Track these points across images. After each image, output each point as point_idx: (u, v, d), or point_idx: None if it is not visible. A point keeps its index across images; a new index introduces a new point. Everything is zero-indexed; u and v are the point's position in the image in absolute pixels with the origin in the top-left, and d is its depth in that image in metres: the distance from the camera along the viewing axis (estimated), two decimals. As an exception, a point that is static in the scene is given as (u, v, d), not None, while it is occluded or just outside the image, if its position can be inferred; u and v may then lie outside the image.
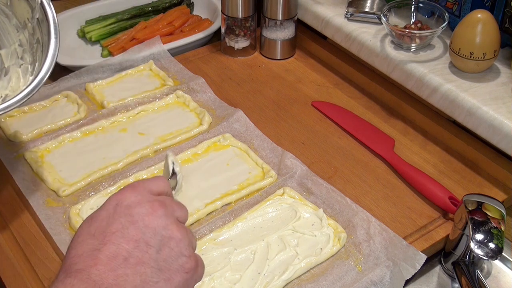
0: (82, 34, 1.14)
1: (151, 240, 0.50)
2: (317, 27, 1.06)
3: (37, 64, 0.72)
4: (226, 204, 0.78)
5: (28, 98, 0.68)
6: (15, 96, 0.67)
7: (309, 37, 1.11)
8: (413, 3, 0.97)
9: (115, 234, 0.49)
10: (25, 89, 0.68)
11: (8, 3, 0.77)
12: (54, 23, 0.73)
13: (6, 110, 0.67)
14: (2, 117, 0.92)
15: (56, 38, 0.72)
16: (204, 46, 1.14)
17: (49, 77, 1.03)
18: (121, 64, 1.04)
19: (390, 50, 0.94)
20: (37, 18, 0.74)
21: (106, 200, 0.53)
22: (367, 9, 1.01)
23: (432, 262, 0.76)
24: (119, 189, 0.78)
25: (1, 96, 0.74)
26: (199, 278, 0.54)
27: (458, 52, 0.85)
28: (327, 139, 0.91)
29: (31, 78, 0.71)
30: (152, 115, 0.94)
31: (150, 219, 0.51)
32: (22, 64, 0.76)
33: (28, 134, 0.88)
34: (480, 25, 0.82)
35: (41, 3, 0.73)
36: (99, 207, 0.75)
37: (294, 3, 1.05)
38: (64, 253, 0.71)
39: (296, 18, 1.07)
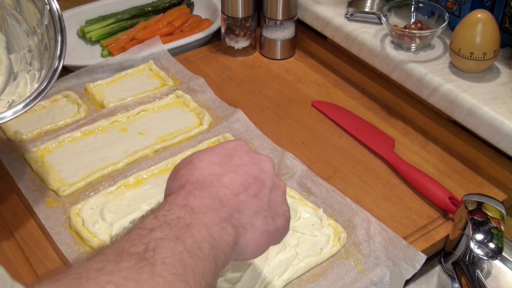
0: (82, 34, 1.14)
1: (266, 181, 0.56)
2: (317, 27, 1.06)
3: (43, 71, 0.72)
4: (226, 204, 0.78)
5: (31, 107, 0.68)
6: (19, 104, 0.68)
7: (309, 37, 1.11)
8: (413, 3, 0.97)
9: (239, 167, 0.55)
10: (28, 97, 0.68)
11: (18, 9, 0.77)
12: (62, 31, 0.73)
13: (10, 118, 0.67)
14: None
15: (62, 47, 0.73)
16: (204, 46, 1.14)
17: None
18: (121, 64, 1.04)
19: (390, 50, 0.94)
20: (46, 24, 0.74)
21: (223, 143, 0.58)
22: (367, 9, 1.01)
23: (432, 262, 0.76)
24: (119, 189, 0.79)
25: (8, 102, 0.74)
26: (285, 234, 0.58)
27: (458, 52, 0.85)
28: (327, 139, 0.91)
29: (36, 85, 0.71)
30: (152, 115, 0.94)
31: (267, 165, 0.57)
32: (30, 70, 0.76)
33: (28, 134, 0.88)
34: (480, 25, 0.82)
35: (50, 9, 0.73)
36: (98, 207, 0.75)
37: (294, 3, 1.05)
38: (64, 253, 0.71)
39: (296, 18, 1.07)
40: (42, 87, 0.69)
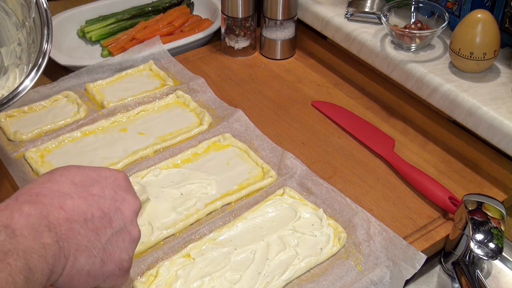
0: (82, 34, 1.14)
1: (115, 222, 0.52)
2: (317, 27, 1.06)
3: (30, 65, 0.71)
4: (226, 204, 0.78)
5: (12, 103, 0.68)
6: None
7: (309, 37, 1.11)
8: (413, 3, 0.97)
9: (94, 196, 0.51)
10: (10, 93, 0.68)
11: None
12: (48, 24, 0.72)
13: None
14: (1, 117, 0.92)
15: (48, 40, 0.72)
16: (204, 46, 1.14)
17: (49, 77, 1.03)
18: (121, 64, 1.04)
19: (390, 50, 0.94)
20: (33, 18, 0.73)
21: (105, 169, 0.54)
22: (367, 9, 1.01)
23: (432, 262, 0.76)
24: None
25: None
26: (117, 282, 0.55)
27: (458, 52, 0.85)
28: (327, 139, 0.91)
29: (17, 81, 0.71)
30: (152, 115, 0.94)
31: (128, 208, 0.54)
32: (19, 64, 0.75)
33: (28, 134, 0.88)
34: (480, 25, 0.82)
35: (37, 2, 0.73)
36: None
37: (294, 3, 1.05)
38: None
39: (296, 18, 1.07)
40: (21, 87, 0.68)
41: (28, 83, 0.69)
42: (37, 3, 0.73)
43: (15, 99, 0.68)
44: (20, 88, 0.69)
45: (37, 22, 0.73)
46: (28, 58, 0.74)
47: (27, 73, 0.70)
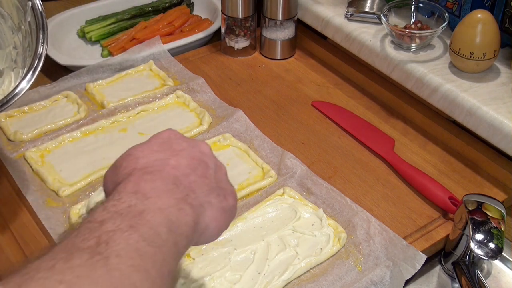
0: (82, 34, 1.14)
1: (209, 162, 0.55)
2: (317, 27, 1.06)
3: (25, 69, 0.71)
4: (226, 204, 0.78)
5: (7, 107, 0.68)
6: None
7: (309, 37, 1.11)
8: (413, 3, 0.97)
9: (181, 151, 0.54)
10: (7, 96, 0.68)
11: None
12: (44, 28, 0.72)
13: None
14: (1, 117, 0.92)
15: (43, 44, 0.71)
16: (204, 46, 1.14)
17: (49, 77, 1.03)
18: (121, 64, 1.04)
19: (390, 50, 0.94)
20: (29, 21, 0.73)
21: (155, 135, 0.56)
22: (367, 9, 1.01)
23: (432, 262, 0.76)
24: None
25: None
26: (235, 213, 0.57)
27: (458, 52, 0.85)
28: (327, 139, 0.91)
29: (12, 85, 0.70)
30: (152, 115, 0.94)
31: (205, 147, 0.56)
32: (15, 68, 0.75)
33: (28, 134, 0.88)
34: (480, 25, 0.82)
35: (32, 5, 0.72)
36: None
37: (294, 3, 1.05)
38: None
39: (296, 18, 1.07)
40: (18, 88, 0.68)
41: (24, 85, 0.69)
42: (32, 7, 0.72)
43: (10, 103, 0.68)
44: (16, 92, 0.69)
45: (33, 26, 0.73)
46: (24, 61, 0.74)
47: (22, 77, 0.70)
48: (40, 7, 0.73)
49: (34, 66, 0.70)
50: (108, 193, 0.52)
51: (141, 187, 0.48)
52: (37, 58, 0.71)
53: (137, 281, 0.41)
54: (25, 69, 0.71)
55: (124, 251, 0.41)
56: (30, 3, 0.72)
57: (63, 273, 0.39)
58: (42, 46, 0.72)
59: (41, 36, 0.72)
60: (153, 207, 0.46)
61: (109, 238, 0.42)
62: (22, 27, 0.74)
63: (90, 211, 0.46)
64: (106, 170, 0.54)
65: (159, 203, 0.47)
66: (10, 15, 0.75)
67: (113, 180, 0.51)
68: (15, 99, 0.68)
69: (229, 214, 0.55)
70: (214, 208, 0.52)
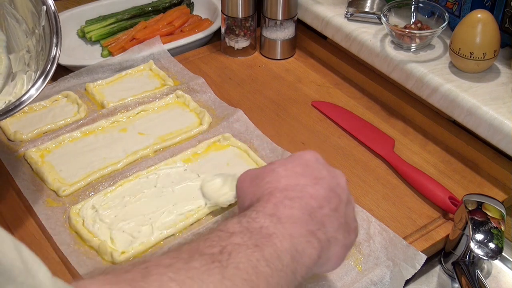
0: (82, 34, 1.14)
1: (342, 195, 0.55)
2: (317, 27, 1.06)
3: (38, 73, 0.71)
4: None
5: (20, 109, 0.68)
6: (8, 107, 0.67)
7: (309, 37, 1.11)
8: (413, 3, 0.97)
9: (321, 180, 0.54)
10: (17, 101, 0.68)
11: (12, 5, 0.76)
12: (58, 33, 0.72)
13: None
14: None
15: (56, 49, 0.72)
16: (204, 46, 1.14)
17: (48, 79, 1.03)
18: (121, 64, 1.04)
19: (390, 50, 0.94)
20: (43, 25, 0.73)
21: (300, 154, 0.57)
22: (367, 9, 1.01)
23: (432, 262, 0.76)
24: (118, 188, 0.79)
25: (5, 102, 0.73)
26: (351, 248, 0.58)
27: (458, 52, 0.85)
28: (327, 139, 0.91)
29: (25, 88, 0.71)
30: (152, 115, 0.94)
31: (342, 180, 0.57)
32: (27, 71, 0.75)
33: (28, 134, 0.88)
34: (480, 25, 0.82)
35: (47, 10, 0.73)
36: (100, 207, 0.75)
37: (294, 3, 1.05)
38: (64, 253, 0.71)
39: (296, 18, 1.07)
40: (32, 91, 0.69)
41: (35, 91, 0.69)
42: (47, 11, 0.73)
43: (23, 106, 0.68)
44: (26, 96, 0.69)
45: (47, 31, 0.73)
46: (36, 65, 0.74)
47: (34, 80, 0.70)
48: (54, 12, 0.73)
49: (47, 70, 0.71)
50: (243, 201, 0.54)
51: (279, 211, 0.50)
52: (50, 62, 0.71)
53: None
54: (38, 72, 0.71)
55: (243, 264, 0.43)
56: (44, 7, 0.73)
57: (178, 272, 0.41)
58: (55, 50, 0.72)
59: (54, 40, 0.72)
60: (283, 232, 0.48)
61: (233, 250, 0.44)
62: (36, 31, 0.74)
63: (224, 221, 0.49)
64: (242, 174, 0.56)
65: (291, 230, 0.48)
66: (25, 19, 0.76)
67: (252, 191, 0.53)
68: (27, 103, 0.68)
69: (348, 250, 0.56)
70: (339, 245, 0.53)
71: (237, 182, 0.58)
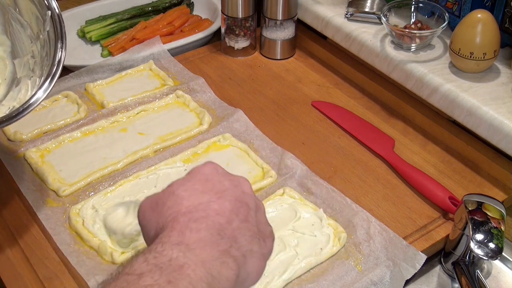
0: (82, 34, 1.14)
1: (249, 203, 0.53)
2: (317, 27, 1.06)
3: (43, 78, 0.71)
4: (226, 204, 0.78)
5: (23, 116, 0.68)
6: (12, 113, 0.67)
7: (309, 37, 1.11)
8: (413, 3, 0.97)
9: (224, 192, 0.51)
10: (21, 106, 0.68)
11: (16, 9, 0.76)
12: (62, 37, 0.72)
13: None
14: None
15: (61, 54, 0.72)
16: (204, 46, 1.14)
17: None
18: (121, 64, 1.04)
19: (390, 50, 0.94)
20: (47, 30, 0.73)
21: (197, 169, 0.54)
22: (367, 9, 1.01)
23: (432, 262, 0.76)
24: (118, 188, 0.79)
25: (9, 108, 0.73)
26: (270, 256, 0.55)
27: (458, 52, 0.85)
28: (327, 139, 0.91)
29: (29, 94, 0.71)
30: (152, 115, 0.94)
31: (246, 186, 0.54)
32: (32, 77, 0.75)
33: (28, 134, 0.88)
34: (480, 25, 0.82)
35: (51, 15, 0.73)
36: (100, 207, 0.75)
37: (294, 3, 1.05)
38: (64, 253, 0.71)
39: (296, 18, 1.07)
40: (36, 97, 0.69)
41: (41, 94, 0.69)
42: (52, 16, 0.73)
43: (26, 112, 0.68)
44: (32, 100, 0.69)
45: (51, 36, 0.73)
46: (41, 70, 0.74)
47: (39, 86, 0.70)
48: (59, 16, 0.73)
49: (53, 72, 0.71)
50: (148, 231, 0.51)
51: (186, 237, 0.47)
52: (55, 67, 0.71)
53: None
54: (42, 78, 0.71)
55: None
56: (49, 12, 0.73)
57: None
58: (60, 53, 0.72)
59: (59, 45, 0.72)
60: (195, 260, 0.45)
61: None
62: (41, 36, 0.74)
63: (129, 261, 0.46)
64: (142, 201, 0.53)
65: (203, 255, 0.46)
66: (30, 24, 0.76)
67: (155, 220, 0.50)
68: (30, 109, 0.68)
69: (267, 258, 0.53)
70: (255, 257, 0.50)
71: (138, 212, 0.54)
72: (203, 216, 0.49)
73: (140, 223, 0.52)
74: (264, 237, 0.53)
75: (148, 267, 0.43)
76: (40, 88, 0.69)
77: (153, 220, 0.50)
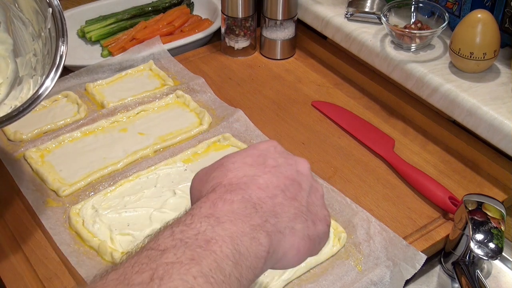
0: (82, 34, 1.14)
1: (303, 183, 0.51)
2: (317, 27, 1.06)
3: (44, 77, 0.71)
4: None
5: (24, 114, 0.67)
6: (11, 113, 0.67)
7: (309, 37, 1.11)
8: (413, 3, 0.97)
9: (274, 168, 0.50)
10: (21, 106, 0.68)
11: (16, 5, 0.76)
12: (64, 35, 0.72)
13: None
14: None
15: (62, 52, 0.71)
16: (204, 46, 1.14)
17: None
18: (121, 64, 1.04)
19: (390, 50, 0.94)
20: (49, 28, 0.73)
21: (255, 145, 0.54)
22: (367, 9, 1.01)
23: (432, 262, 0.76)
24: (118, 188, 0.79)
25: (11, 106, 0.73)
26: (326, 241, 0.53)
27: (458, 52, 0.85)
28: (327, 139, 0.91)
29: (31, 93, 0.70)
30: (152, 115, 0.94)
31: (303, 166, 0.53)
32: (34, 75, 0.75)
33: (28, 134, 0.88)
34: (480, 25, 0.82)
35: (53, 12, 0.72)
36: (100, 207, 0.75)
37: (294, 3, 1.05)
38: (64, 253, 0.71)
39: (296, 18, 1.07)
40: (36, 95, 0.69)
41: (43, 89, 0.69)
42: (53, 13, 0.72)
43: (28, 110, 0.68)
44: (41, 90, 0.69)
45: (53, 33, 0.73)
46: (43, 69, 0.73)
47: (40, 84, 0.69)
48: (60, 12, 0.73)
49: (57, 63, 0.70)
50: (192, 201, 0.49)
51: (217, 208, 0.44)
52: (58, 59, 0.71)
53: None
54: (44, 77, 0.71)
55: None
56: (50, 9, 0.72)
57: None
58: (62, 49, 0.72)
59: (60, 43, 0.72)
60: (223, 235, 0.42)
61: (165, 273, 0.39)
62: (42, 34, 0.74)
63: (156, 234, 0.43)
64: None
65: (232, 229, 0.43)
66: (31, 21, 0.76)
67: (199, 189, 0.49)
68: (32, 107, 0.68)
69: (317, 242, 0.50)
70: (297, 235, 0.48)
71: (191, 182, 0.53)
72: (242, 188, 0.47)
73: (190, 193, 0.51)
74: (315, 219, 0.50)
75: (173, 242, 0.41)
76: (48, 76, 0.69)
77: (198, 190, 0.49)
